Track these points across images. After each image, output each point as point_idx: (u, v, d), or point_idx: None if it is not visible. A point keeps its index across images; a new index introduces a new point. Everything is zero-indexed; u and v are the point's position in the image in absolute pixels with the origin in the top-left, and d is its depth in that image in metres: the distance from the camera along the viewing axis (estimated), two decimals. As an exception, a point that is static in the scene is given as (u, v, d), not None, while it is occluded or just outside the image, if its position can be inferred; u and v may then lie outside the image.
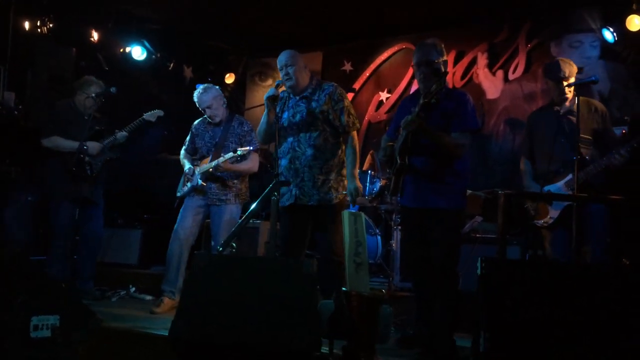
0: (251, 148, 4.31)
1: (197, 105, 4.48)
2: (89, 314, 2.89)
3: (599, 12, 5.39)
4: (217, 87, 4.60)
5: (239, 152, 4.22)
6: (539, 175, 3.80)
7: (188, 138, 4.59)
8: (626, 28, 5.10)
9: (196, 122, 4.60)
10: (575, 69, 3.77)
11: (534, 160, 3.87)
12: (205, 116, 4.53)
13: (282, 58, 3.69)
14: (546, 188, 3.70)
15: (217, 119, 4.46)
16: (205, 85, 4.56)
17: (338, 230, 3.27)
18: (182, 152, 4.59)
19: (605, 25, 5.25)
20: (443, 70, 3.25)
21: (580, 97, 3.76)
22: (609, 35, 5.23)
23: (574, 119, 3.64)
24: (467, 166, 3.31)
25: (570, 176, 3.55)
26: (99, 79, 4.81)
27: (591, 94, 4.86)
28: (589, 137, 3.65)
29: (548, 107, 3.92)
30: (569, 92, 3.74)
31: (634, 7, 5.04)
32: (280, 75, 3.70)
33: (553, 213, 3.66)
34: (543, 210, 3.70)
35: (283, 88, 3.72)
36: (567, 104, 3.76)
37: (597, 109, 3.74)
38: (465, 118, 3.20)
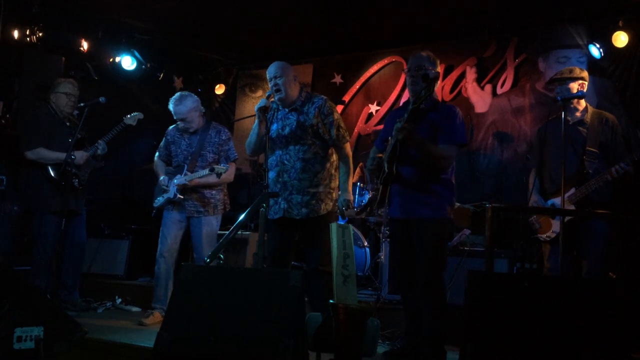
0: (227, 166, 4.24)
1: (173, 115, 4.38)
2: (73, 326, 2.84)
3: (585, 28, 5.47)
4: (194, 96, 4.44)
5: (215, 171, 4.11)
6: (545, 188, 3.75)
7: (162, 144, 4.51)
8: (612, 44, 5.17)
9: (170, 128, 4.53)
10: (585, 74, 3.73)
11: (542, 172, 3.81)
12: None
13: (271, 69, 3.64)
14: (550, 202, 3.67)
15: (192, 129, 4.39)
16: (181, 94, 4.42)
17: (326, 242, 3.24)
18: (156, 159, 4.52)
19: (592, 41, 5.32)
20: (433, 77, 3.27)
21: (593, 109, 3.75)
22: (595, 51, 5.30)
23: (583, 130, 3.62)
24: (453, 176, 3.31)
25: (572, 190, 3.52)
26: (89, 88, 4.79)
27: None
28: (596, 150, 3.58)
29: (558, 118, 3.80)
30: (574, 87, 3.66)
31: (620, 23, 5.12)
32: (269, 87, 3.65)
33: (556, 227, 3.61)
34: (546, 225, 3.67)
35: (274, 99, 3.70)
36: (578, 114, 3.70)
37: (608, 120, 3.67)
38: (452, 132, 3.21)
